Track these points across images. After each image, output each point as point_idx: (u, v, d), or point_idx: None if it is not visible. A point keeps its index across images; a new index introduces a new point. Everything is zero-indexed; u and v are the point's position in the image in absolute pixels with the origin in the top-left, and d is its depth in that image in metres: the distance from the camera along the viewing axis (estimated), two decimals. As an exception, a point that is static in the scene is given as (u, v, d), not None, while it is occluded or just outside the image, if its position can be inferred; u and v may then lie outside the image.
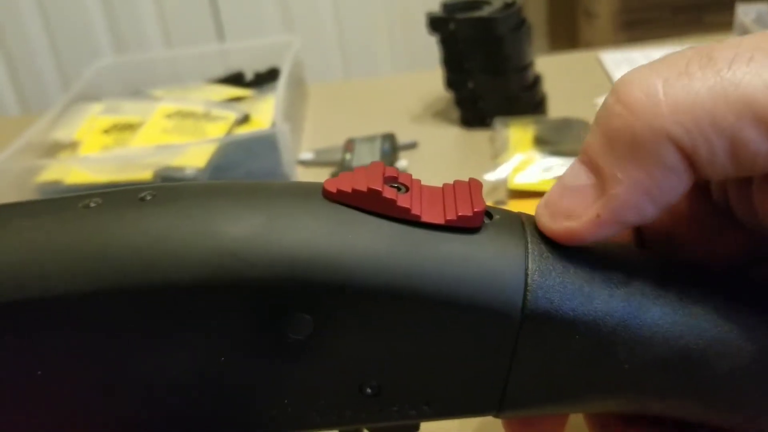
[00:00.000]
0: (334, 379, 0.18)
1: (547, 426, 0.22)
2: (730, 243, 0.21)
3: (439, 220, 0.18)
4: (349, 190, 0.18)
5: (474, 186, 0.19)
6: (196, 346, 0.17)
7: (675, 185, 0.17)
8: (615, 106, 0.17)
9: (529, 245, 0.18)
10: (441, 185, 0.20)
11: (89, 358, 0.17)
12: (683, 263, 0.20)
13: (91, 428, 0.18)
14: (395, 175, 0.19)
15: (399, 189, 0.18)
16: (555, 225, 0.18)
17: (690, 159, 0.16)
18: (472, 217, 0.18)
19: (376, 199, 0.18)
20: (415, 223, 0.18)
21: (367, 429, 0.21)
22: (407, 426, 0.20)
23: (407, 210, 0.18)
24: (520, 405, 0.19)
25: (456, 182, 0.19)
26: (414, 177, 0.19)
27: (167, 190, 0.19)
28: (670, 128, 0.16)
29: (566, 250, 0.19)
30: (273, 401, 0.19)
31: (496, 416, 0.20)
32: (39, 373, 0.17)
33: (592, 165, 0.18)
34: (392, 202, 0.18)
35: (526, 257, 0.18)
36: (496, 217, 0.19)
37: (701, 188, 0.21)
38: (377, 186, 0.18)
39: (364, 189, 0.18)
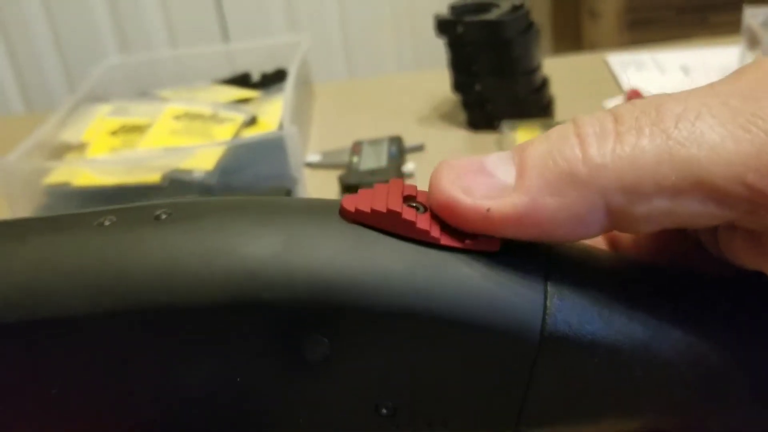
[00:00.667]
0: (349, 400, 0.18)
1: None
2: (714, 269, 0.21)
3: (458, 243, 0.18)
4: (368, 210, 0.18)
5: None
6: (212, 366, 0.17)
7: (575, 230, 0.17)
8: (571, 136, 0.17)
9: (549, 267, 0.18)
10: None
11: (103, 378, 0.17)
12: (702, 278, 0.20)
13: None
14: (414, 194, 0.19)
15: (418, 209, 0.18)
16: (449, 190, 0.17)
17: (615, 215, 0.16)
18: (492, 241, 0.18)
19: (396, 221, 0.18)
20: (434, 245, 0.18)
21: None
22: None
23: (426, 232, 0.17)
24: (535, 425, 0.19)
25: None
26: (422, 181, 0.19)
27: (183, 208, 0.18)
28: (609, 184, 0.16)
29: (586, 271, 0.18)
30: (288, 422, 0.18)
31: None
32: (54, 391, 0.17)
33: (519, 167, 0.17)
34: (412, 224, 0.17)
35: (546, 280, 0.18)
36: None
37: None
38: (397, 207, 0.17)
39: (384, 210, 0.18)
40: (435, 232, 0.18)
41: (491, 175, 0.17)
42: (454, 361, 0.18)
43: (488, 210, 0.17)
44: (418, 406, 0.19)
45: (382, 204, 0.18)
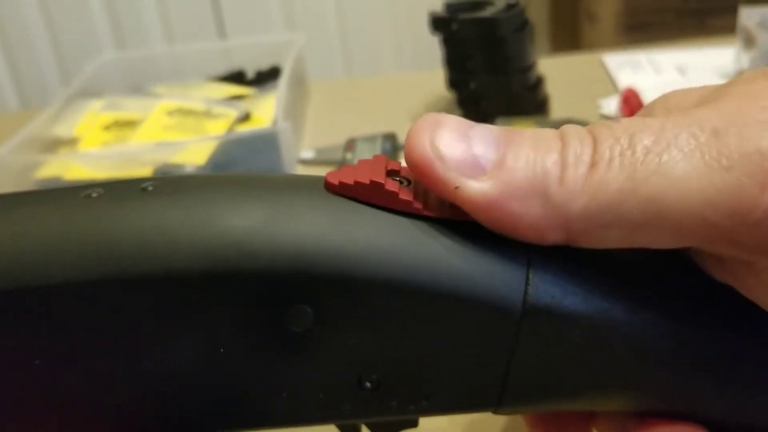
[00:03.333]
0: (333, 373, 0.18)
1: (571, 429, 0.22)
2: None
3: (441, 214, 0.18)
4: (351, 182, 0.18)
5: None
6: (195, 336, 0.17)
7: (527, 235, 0.17)
8: (555, 152, 0.17)
9: None
10: None
11: (87, 346, 0.17)
12: (681, 262, 0.20)
13: (89, 417, 0.18)
14: (398, 168, 0.19)
15: (401, 182, 0.18)
16: (427, 151, 0.17)
17: (569, 232, 0.17)
18: None
19: (378, 192, 0.18)
20: (417, 216, 0.18)
21: (365, 424, 0.20)
22: (405, 421, 0.20)
23: (409, 203, 0.18)
24: (519, 400, 0.19)
25: None
26: None
27: (169, 181, 0.18)
28: (574, 211, 0.16)
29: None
30: (271, 394, 0.18)
31: (495, 412, 0.20)
32: (37, 362, 0.17)
33: (502, 157, 0.17)
34: (394, 194, 0.18)
35: (528, 251, 0.18)
36: None
37: None
38: (380, 178, 0.18)
39: (366, 181, 0.18)
40: (418, 203, 0.18)
41: (471, 146, 0.17)
42: (437, 332, 0.18)
43: (456, 188, 0.17)
44: (400, 380, 0.18)
45: (366, 176, 0.18)
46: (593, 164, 0.16)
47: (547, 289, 0.17)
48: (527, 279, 0.17)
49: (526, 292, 0.17)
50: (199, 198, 0.18)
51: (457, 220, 0.18)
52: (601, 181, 0.16)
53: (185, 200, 0.17)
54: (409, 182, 0.18)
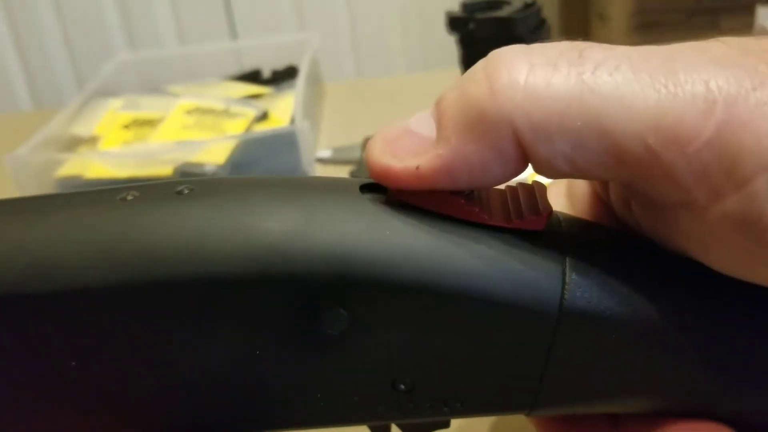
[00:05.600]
0: (367, 375, 0.18)
1: None
2: None
3: (505, 223, 0.18)
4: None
5: (537, 188, 0.19)
6: (231, 339, 0.17)
7: (498, 172, 0.17)
8: (480, 72, 0.17)
9: (567, 244, 0.18)
10: (504, 186, 0.20)
11: (124, 349, 0.17)
12: None
13: (125, 418, 0.18)
14: None
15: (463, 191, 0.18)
16: (379, 157, 0.18)
17: (526, 153, 0.16)
18: (538, 219, 0.18)
19: (443, 200, 0.18)
20: (464, 222, 0.18)
21: (397, 424, 0.21)
22: (437, 422, 0.20)
23: (475, 212, 0.18)
24: (553, 403, 0.19)
25: (519, 184, 0.19)
26: None
27: (204, 183, 0.19)
28: (518, 118, 0.16)
29: (605, 249, 0.18)
30: (305, 395, 0.19)
31: (527, 414, 0.20)
32: (73, 363, 0.17)
33: (437, 119, 0.17)
34: (459, 203, 0.18)
35: (564, 256, 0.18)
36: None
37: (601, 191, 0.21)
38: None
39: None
40: (483, 211, 0.18)
41: (416, 134, 0.18)
42: (472, 337, 0.18)
43: (417, 168, 0.17)
44: (435, 383, 0.18)
45: None
46: (533, 68, 0.16)
47: (584, 294, 0.17)
48: (563, 284, 0.17)
49: (562, 297, 0.17)
50: (235, 201, 0.18)
51: (521, 228, 0.18)
52: (545, 85, 0.16)
53: (221, 204, 0.18)
54: (471, 191, 0.18)
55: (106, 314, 0.17)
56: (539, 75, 0.16)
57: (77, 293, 0.17)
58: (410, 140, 0.18)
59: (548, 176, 0.17)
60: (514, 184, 0.19)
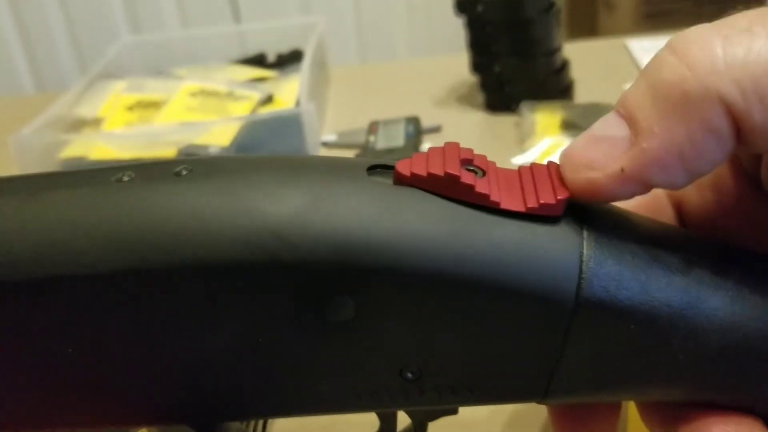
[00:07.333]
0: (374, 363, 0.18)
1: (597, 425, 0.21)
2: None
3: (520, 207, 0.17)
4: (425, 174, 0.17)
5: (553, 170, 0.18)
6: (234, 325, 0.17)
7: (713, 152, 0.16)
8: (669, 57, 0.16)
9: (585, 231, 0.17)
10: (517, 168, 0.19)
11: (123, 335, 0.17)
12: (740, 249, 0.19)
13: (123, 404, 0.18)
14: (471, 157, 0.18)
15: (476, 173, 0.18)
16: (575, 175, 0.17)
17: (739, 124, 0.16)
18: (555, 205, 0.17)
19: (454, 185, 0.17)
20: (474, 205, 0.17)
21: (405, 411, 0.20)
22: (446, 409, 0.20)
23: (486, 196, 0.17)
24: (565, 393, 0.19)
25: (534, 165, 0.19)
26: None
27: (204, 163, 0.18)
28: (725, 87, 0.15)
29: (623, 236, 0.18)
30: (311, 382, 0.18)
31: (539, 403, 0.19)
32: (70, 350, 0.17)
33: (628, 116, 0.17)
34: (470, 187, 0.17)
35: (582, 243, 0.17)
36: None
37: (750, 176, 0.20)
38: (455, 170, 0.17)
39: (441, 173, 0.17)
40: (495, 195, 0.17)
41: (605, 139, 0.17)
42: (484, 325, 0.17)
43: (622, 170, 0.16)
44: (443, 371, 0.18)
45: (440, 167, 0.17)
46: (728, 38, 0.16)
47: (601, 283, 0.17)
48: (580, 273, 0.17)
49: (579, 286, 0.17)
50: (236, 183, 0.17)
51: (538, 213, 0.17)
52: (750, 50, 0.15)
53: (221, 186, 0.17)
54: (484, 172, 0.18)
55: (104, 300, 0.16)
56: (737, 43, 0.15)
57: (74, 279, 0.16)
58: (601, 146, 0.17)
59: (765, 151, 0.16)
60: (528, 165, 0.19)
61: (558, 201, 0.17)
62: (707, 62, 0.15)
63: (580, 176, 0.17)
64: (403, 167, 0.17)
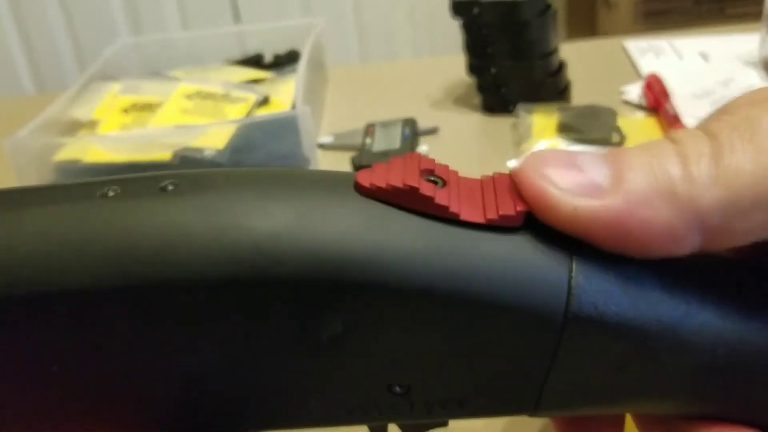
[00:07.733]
0: (361, 378, 0.18)
1: (600, 429, 0.21)
2: None
3: (479, 219, 0.17)
4: (384, 185, 0.17)
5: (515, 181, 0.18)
6: (219, 342, 0.17)
7: (667, 248, 0.16)
8: (674, 156, 0.16)
9: (575, 245, 0.17)
10: (480, 177, 0.19)
11: (106, 354, 0.17)
12: (730, 262, 0.19)
13: (108, 422, 0.18)
14: (432, 167, 0.18)
15: (436, 183, 0.17)
16: (537, 180, 0.17)
17: (709, 235, 0.16)
18: (515, 216, 0.17)
19: (413, 196, 0.17)
20: (452, 221, 0.17)
21: (395, 424, 0.20)
22: (436, 422, 0.20)
23: (445, 208, 0.17)
24: (556, 406, 0.19)
25: (496, 175, 0.18)
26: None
27: (190, 178, 0.18)
28: (707, 205, 0.16)
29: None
30: (299, 397, 0.18)
31: (530, 416, 0.19)
32: (54, 368, 0.17)
33: (616, 170, 0.17)
34: (430, 199, 0.17)
35: (571, 258, 0.17)
36: None
37: None
38: (413, 182, 0.17)
39: (400, 184, 0.17)
40: (454, 207, 0.17)
41: (582, 171, 0.17)
42: (472, 341, 0.17)
43: (575, 209, 0.16)
44: (432, 386, 0.18)
45: (399, 179, 0.17)
46: (716, 154, 0.16)
47: (590, 299, 0.17)
48: (569, 288, 0.17)
49: (568, 302, 0.17)
50: (222, 199, 0.17)
51: (496, 225, 0.17)
52: (729, 166, 0.16)
53: (207, 201, 0.17)
54: (445, 182, 0.17)
55: (87, 317, 0.16)
56: (724, 160, 0.16)
57: (57, 296, 0.16)
58: (576, 177, 0.17)
59: (740, 245, 0.17)
60: (491, 176, 0.19)
61: (518, 213, 0.17)
62: (698, 176, 0.16)
63: (540, 182, 0.17)
64: (363, 178, 0.17)
